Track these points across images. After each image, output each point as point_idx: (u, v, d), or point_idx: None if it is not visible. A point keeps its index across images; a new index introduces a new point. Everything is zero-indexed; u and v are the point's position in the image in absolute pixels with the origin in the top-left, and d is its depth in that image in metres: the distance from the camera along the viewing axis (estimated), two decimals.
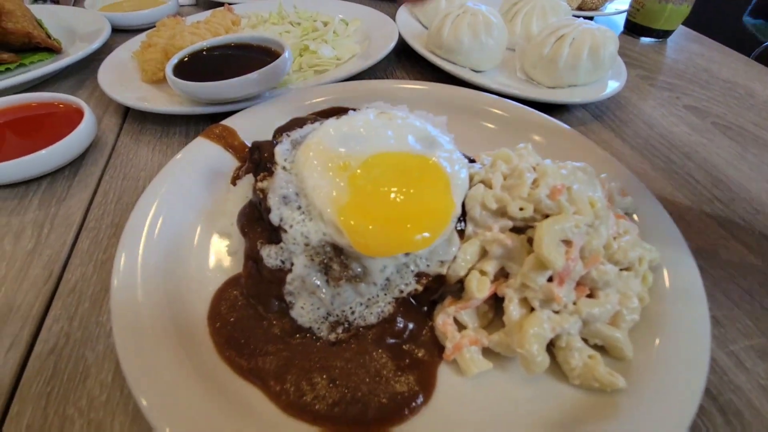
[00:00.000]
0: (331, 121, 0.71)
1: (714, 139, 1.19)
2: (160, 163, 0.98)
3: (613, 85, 1.25)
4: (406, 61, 1.46)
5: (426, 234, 0.57)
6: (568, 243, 0.58)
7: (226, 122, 0.93)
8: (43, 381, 0.60)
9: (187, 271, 0.69)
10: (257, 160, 0.68)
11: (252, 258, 0.63)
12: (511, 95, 1.14)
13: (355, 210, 0.57)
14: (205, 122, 1.10)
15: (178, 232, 0.74)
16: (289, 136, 0.70)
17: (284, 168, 0.64)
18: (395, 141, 0.68)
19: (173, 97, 1.10)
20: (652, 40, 1.74)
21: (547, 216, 0.61)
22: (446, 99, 1.07)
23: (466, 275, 0.62)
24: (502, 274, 0.63)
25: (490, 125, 1.01)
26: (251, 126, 0.94)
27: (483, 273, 0.61)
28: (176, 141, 1.05)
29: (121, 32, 1.48)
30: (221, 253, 0.72)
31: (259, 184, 0.64)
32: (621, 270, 0.63)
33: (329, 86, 1.11)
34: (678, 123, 1.25)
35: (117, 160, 0.98)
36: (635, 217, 0.77)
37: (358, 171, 0.61)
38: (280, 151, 0.66)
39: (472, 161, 0.74)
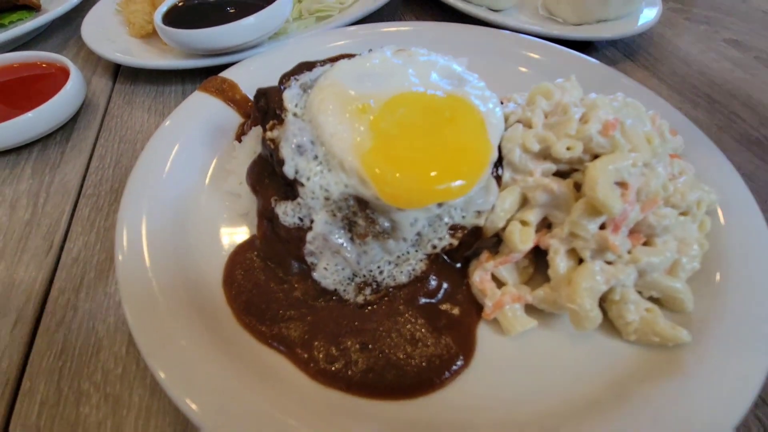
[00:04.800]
0: (344, 62, 0.63)
1: (758, 75, 1.08)
2: (157, 123, 0.90)
3: (647, 17, 1.13)
4: (414, 3, 1.33)
5: (462, 181, 0.50)
6: (623, 185, 0.51)
7: (225, 74, 0.85)
8: (54, 355, 0.56)
9: (196, 235, 0.63)
10: (264, 107, 0.60)
11: (266, 217, 0.57)
12: (533, 33, 1.03)
13: (380, 156, 0.50)
14: (201, 78, 1.00)
15: (183, 195, 0.68)
16: (297, 80, 0.62)
17: (295, 114, 0.57)
18: (418, 79, 0.60)
19: (165, 52, 1.00)
20: None
21: (596, 156, 0.54)
22: (465, 40, 0.97)
23: (505, 227, 0.55)
24: (544, 225, 0.57)
25: (515, 67, 0.91)
26: (252, 78, 0.85)
27: (524, 223, 0.54)
28: (172, 100, 0.96)
29: None
30: (232, 215, 0.66)
31: (269, 134, 0.57)
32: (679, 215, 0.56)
33: (334, 31, 1.01)
34: (718, 59, 1.13)
35: (111, 122, 0.91)
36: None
37: (380, 113, 0.54)
38: (290, 96, 0.58)
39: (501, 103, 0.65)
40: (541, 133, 0.54)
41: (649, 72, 1.07)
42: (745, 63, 1.12)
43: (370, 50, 0.70)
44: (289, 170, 0.53)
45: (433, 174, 0.50)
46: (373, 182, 0.49)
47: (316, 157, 0.53)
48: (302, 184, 0.53)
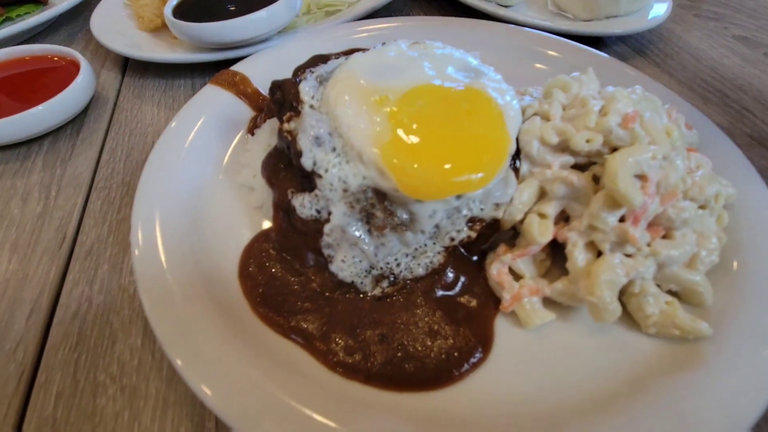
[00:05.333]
0: (360, 54, 0.63)
1: None
2: (167, 117, 0.90)
3: (657, 13, 1.12)
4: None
5: (482, 173, 0.50)
6: (642, 177, 0.51)
7: (235, 68, 0.85)
8: (69, 347, 0.56)
9: (211, 228, 0.63)
10: (280, 99, 0.60)
11: (282, 209, 0.56)
12: (543, 28, 1.02)
13: (399, 148, 0.50)
14: (210, 72, 1.00)
15: (197, 188, 0.68)
16: (312, 72, 0.62)
17: (312, 106, 0.57)
18: (435, 72, 0.59)
19: (174, 46, 1.00)
20: None
21: (615, 149, 0.54)
22: (476, 35, 0.96)
23: (523, 219, 0.55)
24: (561, 218, 0.57)
25: (527, 62, 0.91)
26: (263, 72, 0.85)
27: (542, 216, 0.54)
28: (182, 94, 0.96)
29: None
30: (246, 208, 0.66)
31: (286, 126, 0.56)
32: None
33: (344, 26, 1.00)
34: (728, 54, 1.13)
35: (121, 116, 0.91)
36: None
37: (398, 105, 0.53)
38: (306, 88, 0.58)
39: None
40: (560, 126, 0.54)
41: (660, 68, 1.07)
42: (754, 59, 1.11)
43: (384, 43, 0.70)
44: (307, 162, 0.53)
45: (452, 166, 0.50)
46: (392, 174, 0.49)
47: (334, 149, 0.53)
48: (320, 176, 0.52)
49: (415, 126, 0.52)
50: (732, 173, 0.64)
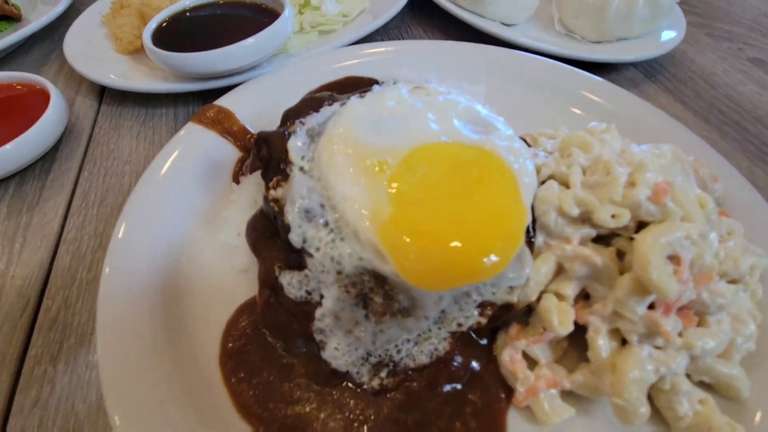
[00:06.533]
0: (356, 103, 0.56)
1: None
2: (147, 153, 0.83)
3: (669, 35, 1.06)
4: (421, 15, 1.25)
5: (495, 257, 0.44)
6: (674, 259, 0.45)
7: (221, 102, 0.78)
8: None
9: (188, 297, 0.57)
10: (266, 157, 0.54)
11: (269, 286, 0.50)
12: (550, 54, 0.96)
13: (401, 226, 0.44)
14: (195, 100, 0.93)
15: (175, 245, 0.61)
16: (303, 123, 0.55)
17: (302, 169, 0.50)
18: (440, 126, 0.53)
19: (156, 71, 0.93)
20: None
21: (641, 223, 0.48)
22: (481, 63, 0.90)
23: (538, 298, 0.49)
24: (581, 296, 0.51)
25: (538, 95, 0.84)
26: (251, 105, 0.79)
27: (560, 297, 0.48)
28: (163, 125, 0.89)
29: None
30: (229, 271, 0.60)
31: (273, 193, 0.50)
32: (728, 283, 0.50)
33: (339, 51, 0.93)
34: (745, 80, 1.07)
35: (96, 151, 0.84)
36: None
37: (400, 172, 0.47)
38: (295, 147, 0.51)
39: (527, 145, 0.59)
40: (581, 196, 0.48)
41: (673, 96, 1.01)
42: None
43: (383, 83, 0.63)
44: (295, 239, 0.46)
45: (461, 249, 0.43)
46: (393, 258, 0.43)
47: (326, 224, 0.47)
48: (311, 255, 0.46)
49: (418, 198, 0.46)
50: (761, 234, 0.59)
